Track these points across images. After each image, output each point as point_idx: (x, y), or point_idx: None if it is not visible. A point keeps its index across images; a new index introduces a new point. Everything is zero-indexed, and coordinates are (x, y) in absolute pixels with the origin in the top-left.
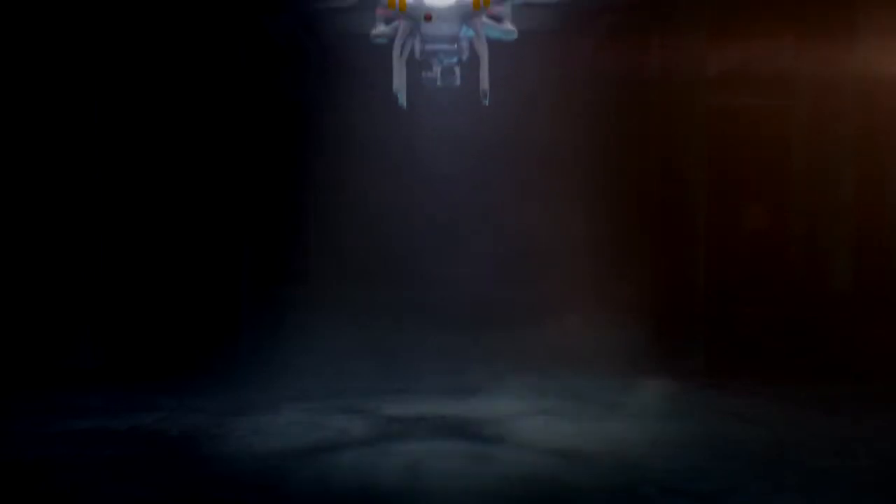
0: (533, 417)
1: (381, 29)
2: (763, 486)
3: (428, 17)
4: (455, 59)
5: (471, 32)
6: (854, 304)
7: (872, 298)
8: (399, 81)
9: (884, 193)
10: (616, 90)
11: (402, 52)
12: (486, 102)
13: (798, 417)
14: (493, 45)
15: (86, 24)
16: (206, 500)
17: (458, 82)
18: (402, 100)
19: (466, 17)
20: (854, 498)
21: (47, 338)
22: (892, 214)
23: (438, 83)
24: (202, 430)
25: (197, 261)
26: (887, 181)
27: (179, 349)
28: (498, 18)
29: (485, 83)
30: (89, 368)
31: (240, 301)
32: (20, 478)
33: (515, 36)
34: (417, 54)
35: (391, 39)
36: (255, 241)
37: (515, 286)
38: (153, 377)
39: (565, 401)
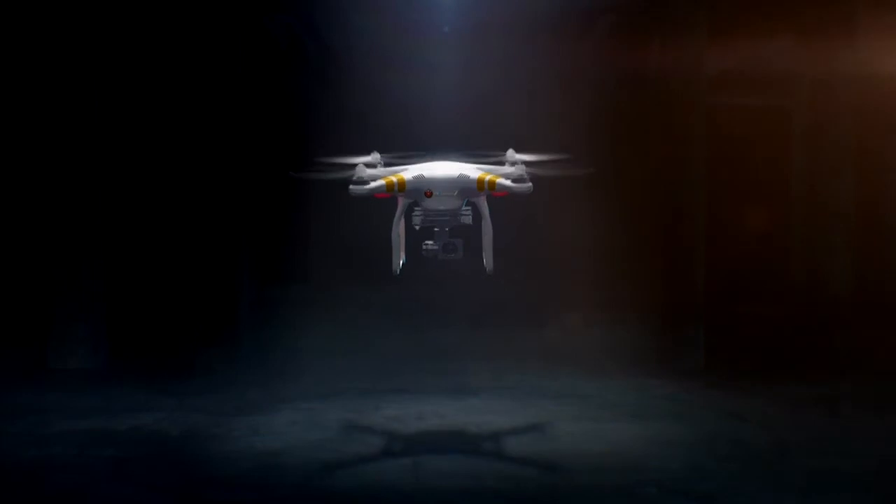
0: (533, 417)
1: (362, 188)
2: (763, 486)
3: (429, 194)
4: (457, 239)
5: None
6: (853, 304)
7: (872, 298)
8: (397, 261)
9: (884, 194)
10: (616, 90)
11: (400, 232)
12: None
13: (798, 417)
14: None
15: (86, 24)
16: (206, 500)
17: (460, 255)
18: (398, 270)
19: (469, 193)
20: (854, 498)
21: (47, 338)
22: (892, 215)
23: (440, 256)
24: (202, 430)
25: (197, 261)
26: (887, 182)
27: (179, 349)
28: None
29: (488, 259)
30: (89, 368)
31: (240, 301)
32: (20, 478)
33: (530, 190)
34: (417, 226)
35: (368, 197)
36: (254, 241)
37: (515, 286)
38: (153, 377)
39: (566, 400)
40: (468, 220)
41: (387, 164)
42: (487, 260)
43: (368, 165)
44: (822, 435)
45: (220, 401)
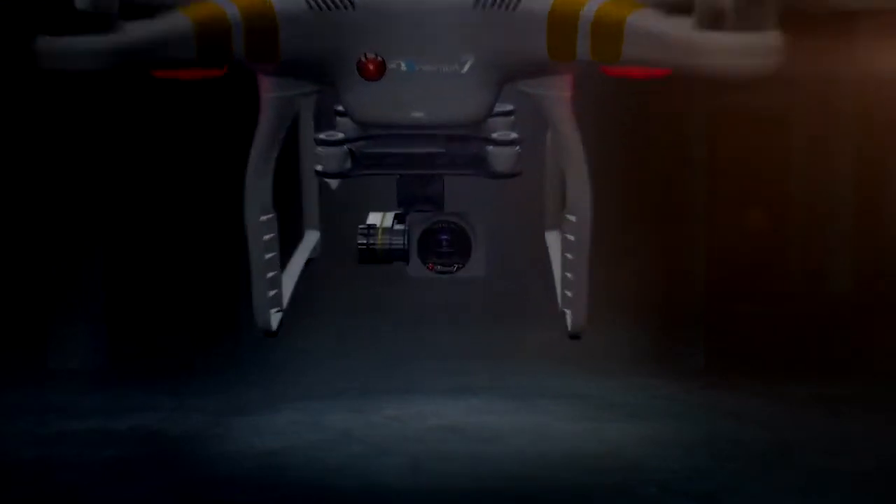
0: (532, 417)
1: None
2: (763, 486)
3: (371, 68)
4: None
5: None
6: (853, 304)
7: (872, 298)
8: (263, 291)
9: (884, 193)
10: (615, 89)
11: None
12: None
13: (798, 417)
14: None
15: None
16: (206, 500)
17: (480, 271)
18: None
19: (518, 63)
20: (854, 498)
21: (47, 338)
22: (893, 214)
23: (410, 270)
24: (202, 430)
25: (197, 259)
26: (888, 181)
27: (179, 349)
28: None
29: (578, 295)
30: (89, 368)
31: (240, 300)
32: (20, 478)
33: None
34: (334, 185)
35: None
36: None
37: (513, 285)
38: (153, 377)
39: (565, 400)
40: (503, 163)
41: None
42: (573, 297)
43: None
44: (822, 435)
45: (220, 401)
